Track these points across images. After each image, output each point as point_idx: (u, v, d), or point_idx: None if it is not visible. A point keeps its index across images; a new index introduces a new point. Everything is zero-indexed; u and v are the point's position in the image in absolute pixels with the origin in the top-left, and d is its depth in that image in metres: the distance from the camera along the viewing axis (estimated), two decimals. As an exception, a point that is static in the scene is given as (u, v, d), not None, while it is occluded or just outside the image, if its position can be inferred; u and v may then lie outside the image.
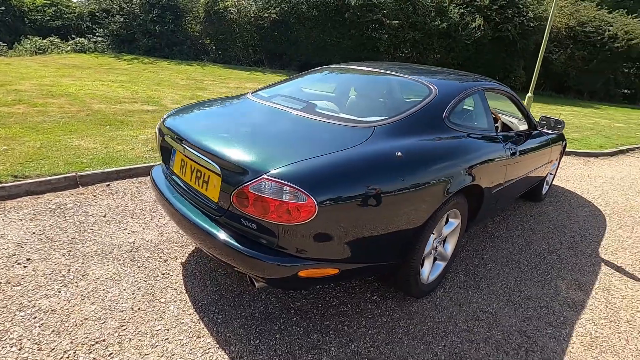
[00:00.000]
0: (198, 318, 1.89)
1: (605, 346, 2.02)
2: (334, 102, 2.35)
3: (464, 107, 2.53)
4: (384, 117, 1.96)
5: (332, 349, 1.80)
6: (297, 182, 1.45)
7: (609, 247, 3.19)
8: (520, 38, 17.08)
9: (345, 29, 15.85)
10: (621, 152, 7.29)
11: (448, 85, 2.33)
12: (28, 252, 2.27)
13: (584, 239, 3.29)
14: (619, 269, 2.85)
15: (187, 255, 2.41)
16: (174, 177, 2.02)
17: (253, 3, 15.47)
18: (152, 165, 3.64)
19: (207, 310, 1.95)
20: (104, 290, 2.02)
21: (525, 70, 18.70)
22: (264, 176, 1.49)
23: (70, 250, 2.33)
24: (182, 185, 1.94)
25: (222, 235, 1.64)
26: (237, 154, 1.63)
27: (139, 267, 2.24)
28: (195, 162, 1.80)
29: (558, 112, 12.17)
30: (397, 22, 15.50)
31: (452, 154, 1.99)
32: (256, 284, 1.65)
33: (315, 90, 2.64)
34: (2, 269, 2.10)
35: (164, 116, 2.27)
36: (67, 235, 2.49)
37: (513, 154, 2.56)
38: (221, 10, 15.15)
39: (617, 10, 19.50)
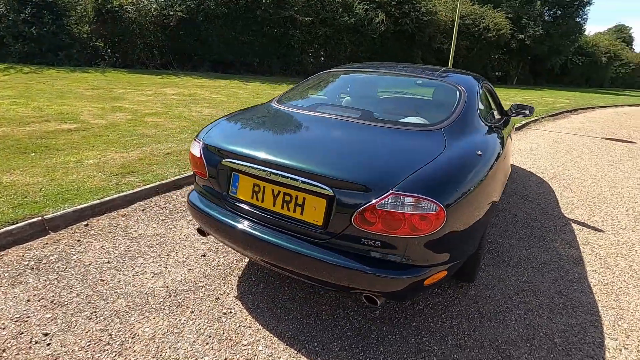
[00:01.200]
0: (295, 352, 1.75)
1: (617, 289, 2.46)
2: (373, 106, 2.35)
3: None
4: (441, 120, 2.05)
5: (435, 348, 1.85)
6: (426, 192, 1.45)
7: (566, 207, 3.84)
8: (417, 31, 18.90)
9: (258, 27, 15.54)
10: (522, 127, 8.69)
11: (467, 83, 2.51)
12: (39, 325, 1.80)
13: (547, 204, 3.90)
14: (583, 224, 3.46)
15: (235, 287, 2.18)
16: (241, 205, 1.80)
17: (154, 0, 14.09)
18: (130, 193, 3.18)
19: (298, 341, 1.81)
20: (170, 348, 1.73)
21: (423, 60, 20.85)
22: (392, 191, 1.45)
23: (95, 311, 1.92)
24: (257, 212, 1.75)
25: (338, 259, 1.54)
26: (349, 172, 1.54)
27: (192, 312, 1.96)
28: (282, 185, 1.64)
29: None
30: (309, 18, 15.77)
31: (497, 146, 2.19)
32: (379, 301, 1.60)
33: (348, 96, 2.60)
34: (21, 355, 1.63)
35: (205, 137, 1.98)
36: (77, 294, 2.03)
37: (504, 140, 2.90)
38: (115, 9, 13.44)
39: (486, 5, 22.87)
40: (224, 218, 1.82)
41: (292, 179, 1.59)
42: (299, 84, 2.76)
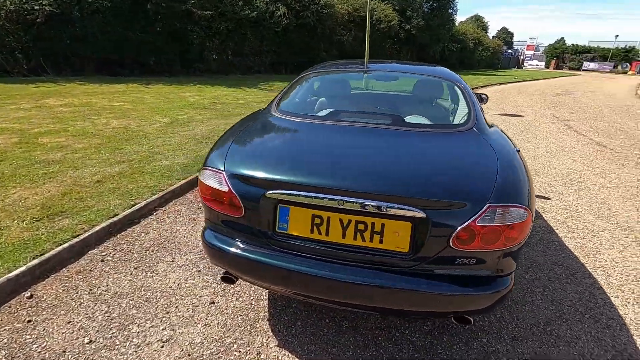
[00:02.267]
0: (379, 394, 1.56)
1: (591, 250, 2.83)
2: (391, 109, 2.21)
3: None
4: (464, 119, 2.01)
5: (498, 346, 1.85)
6: (516, 200, 1.39)
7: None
8: (319, 24, 19.21)
9: (149, 22, 13.90)
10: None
11: (457, 78, 2.55)
12: None
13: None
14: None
15: (271, 334, 1.86)
16: (294, 242, 1.50)
17: (9, -9, 11.45)
18: (76, 242, 2.53)
19: (375, 380, 1.62)
20: None
21: (326, 52, 21.38)
22: (488, 204, 1.34)
23: (107, 417, 1.42)
24: (320, 247, 1.47)
25: (432, 286, 1.39)
26: (443, 190, 1.39)
27: (237, 380, 1.60)
28: (354, 214, 1.40)
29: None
30: (208, 12, 14.72)
31: None
32: (471, 319, 1.50)
33: (359, 100, 2.39)
34: None
35: (229, 165, 1.58)
36: (69, 400, 1.48)
37: None
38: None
39: (374, -2, 24.35)
40: (273, 261, 1.50)
41: (373, 206, 1.36)
42: (288, 88, 2.46)
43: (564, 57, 50.33)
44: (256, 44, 17.72)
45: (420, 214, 1.34)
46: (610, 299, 2.26)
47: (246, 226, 1.56)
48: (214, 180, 1.58)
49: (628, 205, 3.72)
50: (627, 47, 47.24)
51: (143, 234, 2.77)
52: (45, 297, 2.06)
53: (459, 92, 2.34)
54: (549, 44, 54.72)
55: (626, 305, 2.21)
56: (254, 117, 2.18)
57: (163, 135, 5.47)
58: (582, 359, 1.80)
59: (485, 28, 40.68)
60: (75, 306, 2.00)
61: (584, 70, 45.77)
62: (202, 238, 1.70)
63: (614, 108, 11.46)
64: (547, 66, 50.91)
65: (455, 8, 28.07)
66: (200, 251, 2.56)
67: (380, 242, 1.41)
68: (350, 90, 2.72)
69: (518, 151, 1.84)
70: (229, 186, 1.53)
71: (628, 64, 44.40)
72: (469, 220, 1.34)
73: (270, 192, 1.46)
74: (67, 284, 2.17)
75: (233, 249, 1.58)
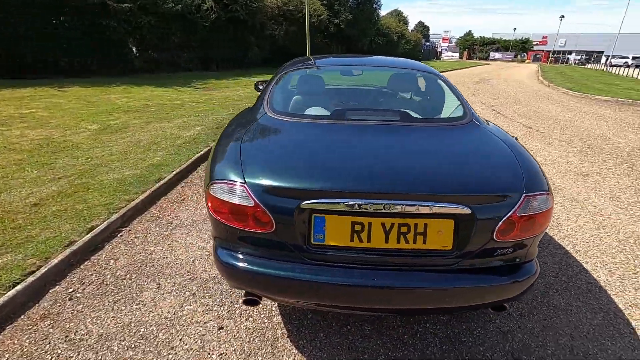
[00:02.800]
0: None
1: (552, 224, 3.13)
2: (387, 104, 2.17)
3: None
4: (462, 112, 2.04)
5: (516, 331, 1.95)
6: (543, 188, 1.45)
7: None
8: (249, 17, 18.64)
9: (58, 15, 12.23)
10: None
11: (434, 70, 2.60)
12: None
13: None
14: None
15: (296, 352, 1.73)
16: (332, 253, 1.39)
17: None
18: (31, 282, 2.15)
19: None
20: None
21: (258, 47, 20.88)
22: (525, 194, 1.38)
23: None
24: (361, 256, 1.39)
25: (476, 280, 1.40)
26: (487, 185, 1.41)
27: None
28: (397, 216, 1.34)
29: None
30: (126, 5, 13.39)
31: None
32: (507, 306, 1.53)
33: (359, 97, 2.31)
34: None
35: (250, 176, 1.41)
36: None
37: None
38: None
39: (301, -8, 24.31)
40: (310, 276, 1.38)
41: (417, 206, 1.31)
42: (274, 87, 2.29)
43: (474, 48, 55.73)
44: (183, 39, 16.64)
45: (466, 210, 1.33)
46: (583, 265, 2.52)
47: (275, 241, 1.41)
48: (233, 194, 1.40)
49: (566, 180, 4.21)
50: (524, 38, 54.10)
51: (112, 261, 2.41)
52: (11, 351, 1.68)
53: (443, 85, 2.40)
54: (459, 37, 60.10)
55: (596, 269, 2.48)
56: (247, 120, 1.99)
57: (99, 145, 4.85)
58: (580, 324, 1.98)
59: (406, 22, 43.15)
60: (52, 357, 1.66)
61: (491, 59, 51.22)
62: (217, 259, 1.51)
63: (526, 93, 12.94)
64: (460, 57, 55.94)
65: (379, 3, 29.25)
66: (188, 271, 2.30)
67: (424, 242, 1.38)
68: (339, 87, 2.64)
69: (517, 139, 1.93)
70: (254, 200, 1.36)
71: (525, 54, 50.82)
72: (511, 212, 1.36)
73: (307, 202, 1.33)
74: (33, 334, 1.80)
75: (260, 268, 1.42)
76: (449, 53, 56.01)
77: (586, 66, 43.08)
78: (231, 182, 1.41)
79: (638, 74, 20.93)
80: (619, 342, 1.85)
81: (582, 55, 49.84)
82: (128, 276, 2.26)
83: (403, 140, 1.71)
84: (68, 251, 2.36)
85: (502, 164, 1.56)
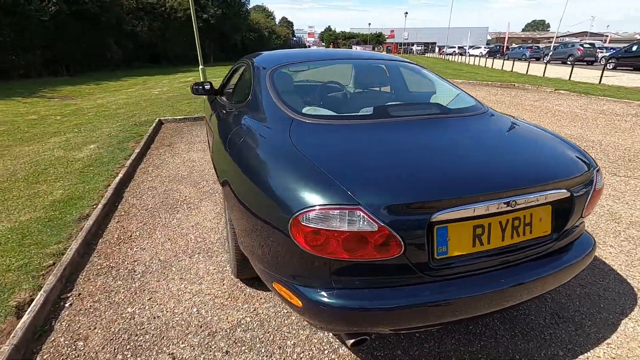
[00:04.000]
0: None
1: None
2: (416, 98, 2.07)
3: None
4: (473, 101, 2.07)
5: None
6: (597, 164, 1.58)
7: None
8: (102, 11, 15.98)
9: None
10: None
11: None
12: None
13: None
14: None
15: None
16: (453, 264, 1.23)
17: None
18: None
19: None
20: None
21: (117, 44, 18.15)
22: (595, 170, 1.52)
23: None
24: (481, 259, 1.28)
25: (571, 257, 1.45)
26: (576, 167, 1.46)
27: None
28: (513, 212, 1.28)
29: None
30: None
31: None
32: None
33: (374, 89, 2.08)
34: None
35: (366, 196, 1.16)
36: None
37: None
38: None
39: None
40: (438, 295, 1.22)
41: (537, 196, 1.29)
42: (263, 89, 1.92)
43: (338, 42, 60.12)
44: (16, 36, 13.26)
45: (565, 194, 1.37)
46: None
47: (393, 266, 1.19)
48: (346, 221, 1.11)
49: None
50: (377, 32, 61.14)
51: (80, 342, 1.73)
52: None
53: (434, 76, 2.43)
54: (321, 32, 64.01)
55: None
56: (268, 133, 1.63)
57: (-47, 186, 3.51)
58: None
59: (273, 18, 43.55)
60: None
61: (353, 52, 56.20)
62: (309, 302, 1.21)
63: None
64: (326, 50, 59.70)
65: (247, -2, 28.72)
66: (201, 326, 1.81)
67: (530, 232, 1.36)
68: (358, 82, 2.43)
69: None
70: (378, 223, 1.11)
71: (381, 45, 57.54)
72: (593, 187, 1.46)
73: (437, 215, 1.16)
74: None
75: (378, 300, 1.19)
76: (316, 47, 59.26)
77: (426, 55, 51.12)
78: (339, 207, 1.13)
79: (473, 61, 25.87)
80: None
81: (422, 46, 58.97)
82: (121, 357, 1.65)
83: (466, 134, 1.65)
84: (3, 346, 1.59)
85: (562, 146, 1.63)
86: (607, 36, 54.82)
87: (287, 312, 1.91)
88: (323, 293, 1.22)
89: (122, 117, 6.86)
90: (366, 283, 1.22)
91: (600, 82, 11.54)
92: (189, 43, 23.99)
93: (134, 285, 2.14)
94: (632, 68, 17.18)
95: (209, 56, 26.73)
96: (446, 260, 1.25)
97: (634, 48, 17.52)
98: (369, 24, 60.81)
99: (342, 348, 1.69)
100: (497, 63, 22.05)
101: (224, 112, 2.42)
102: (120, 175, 3.67)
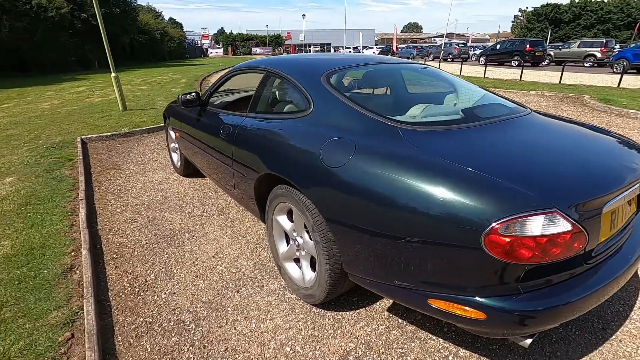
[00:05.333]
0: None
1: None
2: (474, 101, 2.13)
3: None
4: (511, 103, 2.20)
5: None
6: None
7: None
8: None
9: None
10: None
11: None
12: None
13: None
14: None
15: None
16: (601, 249, 1.36)
17: None
18: None
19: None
20: None
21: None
22: None
23: None
24: (615, 241, 1.46)
25: None
26: None
27: None
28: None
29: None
30: None
31: None
32: None
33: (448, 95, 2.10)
34: None
35: (556, 197, 1.21)
36: None
37: None
38: None
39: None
40: (600, 280, 1.33)
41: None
42: (327, 98, 1.78)
43: (236, 44, 58.33)
44: None
45: None
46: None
47: (575, 258, 1.26)
48: (546, 225, 1.14)
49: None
50: (275, 34, 61.24)
51: None
52: None
53: (447, 76, 2.55)
54: (213, 33, 61.45)
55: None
56: (379, 143, 1.52)
57: None
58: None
59: (163, 19, 40.16)
60: None
61: (254, 54, 55.18)
62: (505, 312, 1.20)
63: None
64: (226, 53, 57.42)
65: (134, -4, 25.89)
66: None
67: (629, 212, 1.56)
68: (424, 86, 2.38)
69: None
70: (571, 221, 1.16)
71: (281, 47, 57.89)
72: None
73: (607, 205, 1.28)
74: None
75: (567, 296, 1.25)
76: (215, 50, 56.51)
77: (324, 56, 53.10)
78: (536, 212, 1.14)
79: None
80: None
81: (318, 47, 61.27)
82: None
83: (549, 133, 1.77)
84: None
85: (624, 138, 1.87)
86: (469, 37, 64.77)
87: (385, 328, 1.83)
88: (511, 300, 1.22)
89: (23, 139, 5.59)
90: (549, 282, 1.26)
91: (484, 76, 13.66)
92: (66, 47, 20.71)
93: (194, 338, 1.80)
94: (497, 63, 20.69)
95: (93, 61, 23.50)
96: (598, 247, 1.36)
97: (498, 47, 21.20)
98: (267, 25, 60.55)
99: (461, 350, 1.70)
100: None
101: (255, 129, 2.15)
102: (84, 210, 3.00)
